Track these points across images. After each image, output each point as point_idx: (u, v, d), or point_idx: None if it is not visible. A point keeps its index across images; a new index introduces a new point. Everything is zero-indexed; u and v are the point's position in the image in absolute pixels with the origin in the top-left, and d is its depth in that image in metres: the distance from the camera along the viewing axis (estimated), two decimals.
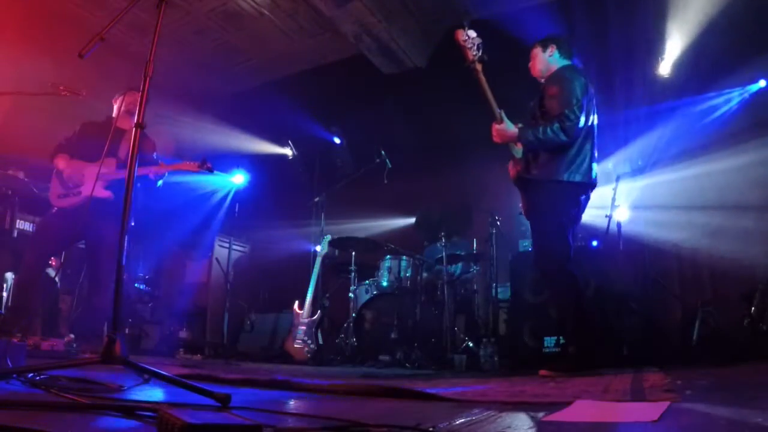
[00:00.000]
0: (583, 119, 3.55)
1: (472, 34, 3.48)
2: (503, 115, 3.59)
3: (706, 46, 5.87)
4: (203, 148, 7.45)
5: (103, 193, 4.23)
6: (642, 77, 6.38)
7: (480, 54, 3.48)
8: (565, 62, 3.85)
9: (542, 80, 3.88)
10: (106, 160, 4.23)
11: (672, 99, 6.44)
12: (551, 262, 3.61)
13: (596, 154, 3.73)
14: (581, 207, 3.69)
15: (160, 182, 4.41)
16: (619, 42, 6.14)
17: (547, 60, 3.87)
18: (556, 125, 3.48)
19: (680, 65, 6.27)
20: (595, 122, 3.76)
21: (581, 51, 5.81)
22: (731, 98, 6.29)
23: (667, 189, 6.54)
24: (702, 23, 5.75)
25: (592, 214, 5.84)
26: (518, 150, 3.72)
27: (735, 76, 6.09)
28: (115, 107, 4.69)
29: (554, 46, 3.87)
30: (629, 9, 5.94)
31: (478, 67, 3.49)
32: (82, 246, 4.71)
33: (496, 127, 3.63)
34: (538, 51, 3.91)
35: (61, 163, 4.40)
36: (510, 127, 3.59)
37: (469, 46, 3.48)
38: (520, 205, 3.95)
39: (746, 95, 6.24)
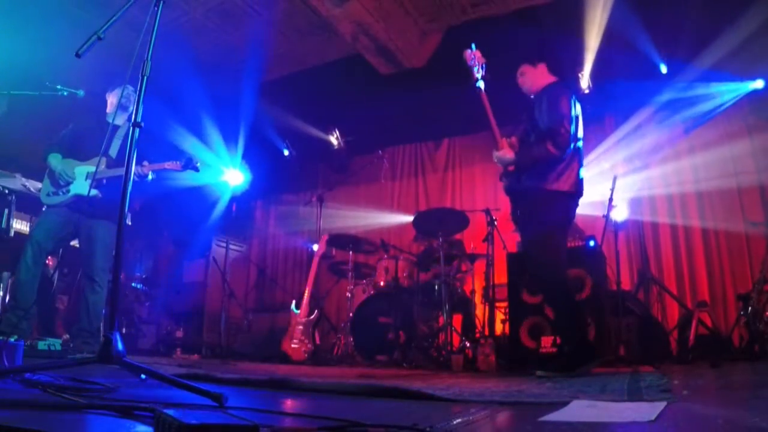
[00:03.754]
0: (573, 131, 3.64)
1: (478, 54, 3.67)
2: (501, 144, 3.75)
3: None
4: (200, 148, 7.46)
5: (91, 192, 4.23)
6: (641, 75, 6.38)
7: (483, 73, 3.65)
8: (553, 78, 3.95)
9: (532, 96, 3.96)
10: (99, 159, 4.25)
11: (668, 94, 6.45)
12: (543, 268, 3.68)
13: (583, 166, 3.83)
14: (570, 215, 3.79)
15: (151, 175, 4.40)
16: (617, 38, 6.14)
17: (536, 76, 3.95)
18: (549, 142, 3.57)
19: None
20: (581, 135, 3.85)
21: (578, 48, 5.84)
22: (728, 93, 6.29)
23: (663, 189, 6.57)
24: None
25: (589, 214, 5.86)
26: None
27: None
28: (109, 102, 4.68)
29: (543, 64, 3.96)
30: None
31: (482, 87, 3.67)
32: (78, 245, 4.70)
33: (496, 154, 3.77)
34: (528, 68, 3.99)
35: (53, 162, 4.41)
36: (507, 154, 3.71)
37: (474, 66, 3.66)
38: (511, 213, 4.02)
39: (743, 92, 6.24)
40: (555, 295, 3.70)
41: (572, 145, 3.65)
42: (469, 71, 3.66)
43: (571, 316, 3.57)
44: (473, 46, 3.72)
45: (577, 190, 3.72)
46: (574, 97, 3.80)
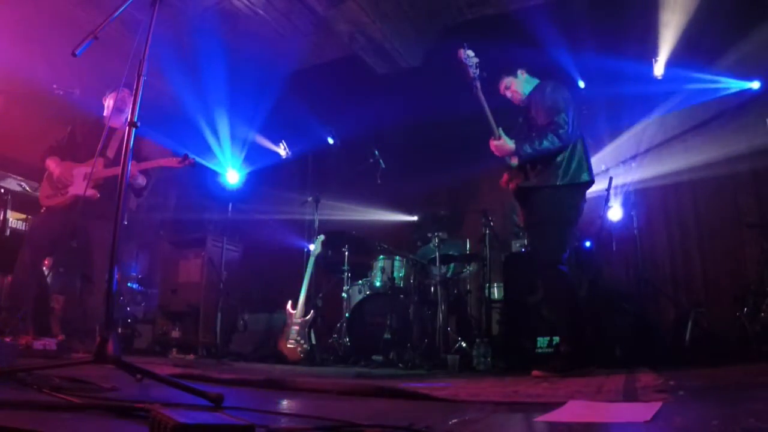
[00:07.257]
0: (572, 120, 3.69)
1: (471, 53, 3.75)
2: (501, 131, 3.77)
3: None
4: (198, 146, 7.44)
5: (88, 192, 4.22)
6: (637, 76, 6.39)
7: (478, 72, 3.72)
8: (537, 80, 4.05)
9: (523, 103, 4.04)
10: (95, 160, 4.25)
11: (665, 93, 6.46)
12: (546, 262, 3.68)
13: (589, 156, 3.86)
14: (579, 207, 3.80)
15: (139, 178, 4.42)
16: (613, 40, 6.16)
17: (522, 83, 4.05)
18: (550, 134, 3.61)
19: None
20: (582, 128, 3.89)
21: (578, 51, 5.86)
22: (724, 93, 6.29)
23: (659, 190, 6.57)
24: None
25: (585, 215, 5.86)
26: (514, 162, 3.86)
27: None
28: (106, 105, 4.68)
29: (523, 70, 4.08)
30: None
31: (477, 84, 3.74)
32: (75, 245, 4.70)
33: (494, 143, 3.79)
34: (510, 80, 4.08)
35: (51, 165, 4.42)
36: (508, 143, 3.74)
37: (470, 64, 3.73)
38: (517, 216, 4.05)
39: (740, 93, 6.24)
40: (556, 292, 3.70)
41: (574, 135, 3.70)
42: (464, 69, 3.74)
43: (571, 315, 3.57)
44: (465, 45, 3.79)
45: (589, 178, 3.76)
46: (566, 90, 3.85)
